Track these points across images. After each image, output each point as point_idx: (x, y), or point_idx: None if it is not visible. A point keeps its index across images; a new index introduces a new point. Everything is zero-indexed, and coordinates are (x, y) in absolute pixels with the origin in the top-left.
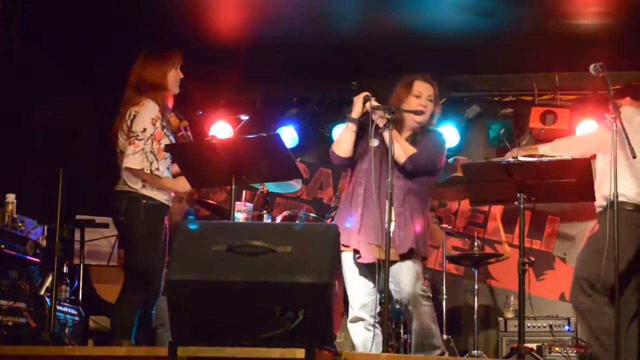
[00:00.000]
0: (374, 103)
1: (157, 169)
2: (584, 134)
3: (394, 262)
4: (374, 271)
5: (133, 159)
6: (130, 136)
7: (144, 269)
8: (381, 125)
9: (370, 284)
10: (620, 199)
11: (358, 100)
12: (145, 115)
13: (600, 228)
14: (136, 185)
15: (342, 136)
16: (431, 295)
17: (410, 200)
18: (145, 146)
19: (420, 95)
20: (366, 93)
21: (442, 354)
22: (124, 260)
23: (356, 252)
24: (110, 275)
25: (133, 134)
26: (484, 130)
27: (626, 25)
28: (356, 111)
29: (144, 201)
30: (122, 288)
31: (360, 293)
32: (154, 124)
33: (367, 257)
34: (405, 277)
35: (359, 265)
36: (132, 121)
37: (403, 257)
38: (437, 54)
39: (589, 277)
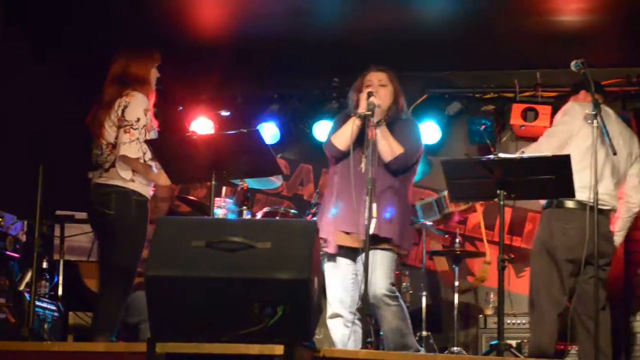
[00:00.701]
0: (375, 100)
1: (150, 159)
2: (547, 134)
3: (371, 249)
4: (352, 266)
5: (130, 148)
6: (124, 125)
7: (130, 265)
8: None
9: (347, 279)
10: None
11: (364, 96)
12: (138, 106)
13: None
14: (126, 177)
15: (345, 130)
16: (398, 294)
17: (388, 193)
18: (140, 135)
19: (371, 83)
20: (370, 89)
21: (416, 351)
22: (105, 255)
23: (324, 240)
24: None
25: (127, 122)
26: (465, 127)
27: (607, 22)
28: (362, 107)
29: (134, 197)
30: (104, 284)
31: (336, 288)
32: (145, 115)
33: (331, 246)
34: (374, 276)
35: (335, 261)
36: (123, 111)
37: (377, 245)
38: (418, 51)
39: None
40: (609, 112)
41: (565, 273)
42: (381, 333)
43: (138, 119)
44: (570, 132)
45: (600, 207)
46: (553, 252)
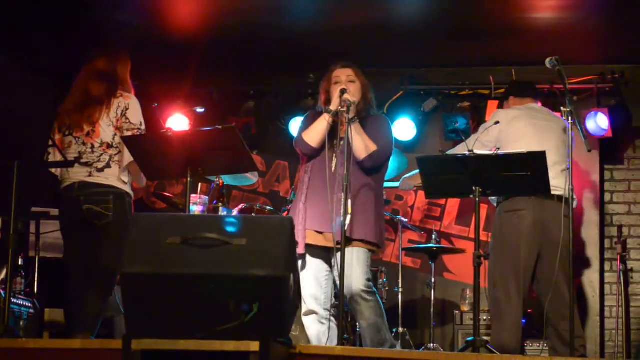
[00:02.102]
0: (349, 97)
1: None
2: (474, 138)
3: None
4: (325, 264)
5: None
6: (130, 129)
7: (118, 266)
8: (345, 118)
9: (321, 277)
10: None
11: (336, 93)
12: (138, 108)
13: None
14: (126, 180)
15: (317, 126)
16: (375, 290)
17: (362, 190)
18: None
19: (339, 80)
20: (343, 86)
21: (392, 346)
22: (90, 254)
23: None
24: None
25: (133, 126)
26: (440, 124)
27: (582, 18)
28: (334, 104)
29: (127, 199)
30: (88, 283)
31: (310, 286)
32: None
33: (300, 247)
34: (350, 272)
35: (308, 257)
36: (125, 113)
37: (352, 244)
38: (394, 47)
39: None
40: (536, 109)
41: (522, 264)
42: (358, 329)
43: (142, 122)
44: (496, 139)
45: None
46: (507, 243)
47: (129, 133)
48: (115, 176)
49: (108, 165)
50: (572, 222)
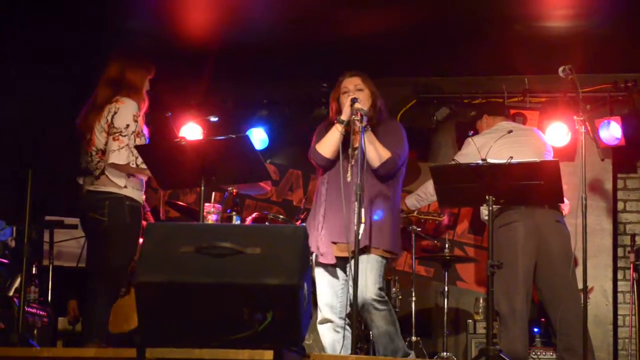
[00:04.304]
0: (360, 106)
1: (142, 163)
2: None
3: (359, 255)
4: (341, 272)
5: (119, 155)
6: (112, 132)
7: (121, 271)
8: (358, 126)
9: (337, 285)
10: None
11: (347, 103)
12: (127, 112)
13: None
14: (120, 184)
15: (329, 137)
16: (387, 299)
17: (378, 199)
18: (129, 142)
19: (348, 90)
20: (354, 96)
21: (406, 355)
22: (96, 261)
23: (320, 252)
24: None
25: (116, 130)
26: (453, 132)
27: (595, 27)
28: (345, 113)
29: (127, 203)
30: (94, 290)
31: (325, 294)
32: (135, 121)
33: (327, 257)
34: (363, 281)
35: (324, 266)
36: (112, 118)
37: (365, 252)
38: (406, 56)
39: None
40: (507, 127)
41: (521, 275)
42: (372, 338)
43: (127, 125)
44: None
45: None
46: (505, 257)
47: (111, 137)
48: (111, 182)
49: (103, 172)
50: (585, 229)
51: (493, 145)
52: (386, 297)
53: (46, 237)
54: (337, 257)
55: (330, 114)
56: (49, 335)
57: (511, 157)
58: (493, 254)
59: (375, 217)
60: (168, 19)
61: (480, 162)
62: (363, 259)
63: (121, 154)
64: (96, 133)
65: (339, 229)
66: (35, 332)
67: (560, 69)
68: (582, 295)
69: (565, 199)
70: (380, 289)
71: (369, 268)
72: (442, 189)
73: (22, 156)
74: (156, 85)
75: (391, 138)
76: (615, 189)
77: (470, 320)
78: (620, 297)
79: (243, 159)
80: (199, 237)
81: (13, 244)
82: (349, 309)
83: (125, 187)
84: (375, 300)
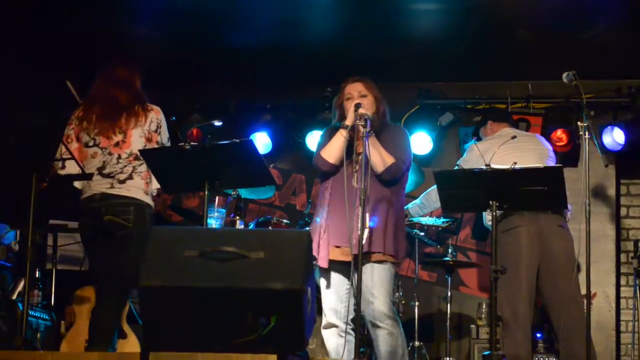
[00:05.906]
0: (364, 111)
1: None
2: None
3: (365, 263)
4: (345, 277)
5: None
6: (159, 144)
7: (134, 278)
8: (362, 132)
9: (342, 290)
10: None
11: (350, 108)
12: (166, 125)
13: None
14: (147, 191)
15: (334, 143)
16: (398, 318)
17: (382, 204)
18: None
19: (351, 95)
20: (357, 101)
21: None
22: (110, 266)
23: (317, 255)
24: None
25: (164, 145)
26: (457, 138)
27: (599, 34)
28: (349, 119)
29: (148, 210)
30: (106, 295)
31: (330, 299)
32: None
33: (321, 261)
34: (375, 292)
35: (329, 270)
36: (159, 131)
37: (371, 258)
38: (410, 61)
39: None
40: (510, 133)
41: (524, 279)
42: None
43: (169, 139)
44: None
45: None
46: (508, 262)
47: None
48: (137, 187)
49: (130, 177)
50: (588, 235)
51: (497, 151)
52: (397, 314)
53: (50, 241)
54: (341, 262)
55: (335, 119)
56: (52, 339)
57: (515, 163)
58: (497, 259)
59: (380, 222)
60: (173, 23)
61: (484, 167)
62: (371, 266)
63: None
64: (134, 136)
65: (343, 234)
66: (38, 335)
67: (564, 74)
68: (585, 301)
69: (568, 205)
70: (392, 302)
71: (379, 278)
72: (446, 194)
73: (26, 159)
74: (161, 89)
75: (395, 143)
76: (618, 194)
77: (473, 326)
78: (623, 302)
79: (247, 164)
80: (203, 241)
81: (17, 247)
82: (352, 313)
83: (147, 193)
84: (387, 315)
